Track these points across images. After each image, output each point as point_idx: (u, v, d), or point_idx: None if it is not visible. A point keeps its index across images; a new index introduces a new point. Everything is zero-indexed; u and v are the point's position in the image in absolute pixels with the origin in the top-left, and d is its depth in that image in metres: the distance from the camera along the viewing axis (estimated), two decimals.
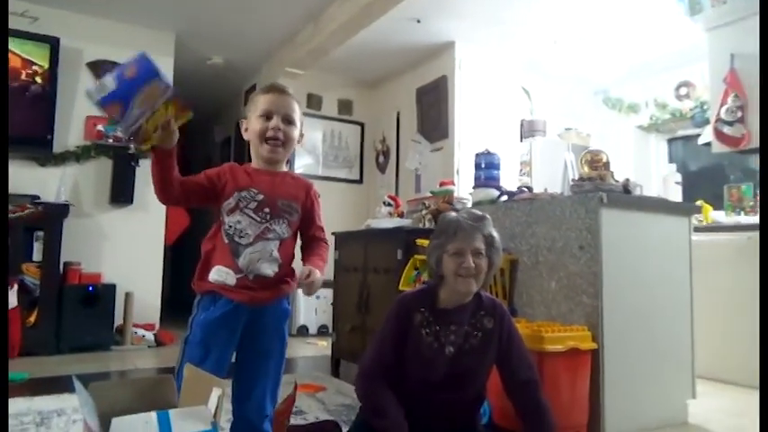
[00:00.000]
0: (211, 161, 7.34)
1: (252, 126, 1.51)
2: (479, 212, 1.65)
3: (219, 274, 1.44)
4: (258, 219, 1.45)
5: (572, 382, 2.10)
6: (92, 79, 4.40)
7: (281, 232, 1.48)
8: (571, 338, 2.09)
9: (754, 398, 2.91)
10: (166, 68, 4.75)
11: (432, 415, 1.56)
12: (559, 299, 2.39)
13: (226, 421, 2.20)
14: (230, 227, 1.45)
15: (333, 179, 5.74)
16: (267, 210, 1.46)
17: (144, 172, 4.56)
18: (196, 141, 8.08)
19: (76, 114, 4.35)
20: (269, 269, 1.45)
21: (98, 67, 4.45)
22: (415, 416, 1.53)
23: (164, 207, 4.70)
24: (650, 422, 2.31)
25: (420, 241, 2.81)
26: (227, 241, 1.45)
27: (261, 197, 1.47)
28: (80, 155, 4.34)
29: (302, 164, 5.60)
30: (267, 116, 1.48)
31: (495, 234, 1.60)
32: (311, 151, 5.68)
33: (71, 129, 4.33)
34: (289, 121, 1.50)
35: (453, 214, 1.66)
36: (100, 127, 4.39)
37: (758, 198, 3.75)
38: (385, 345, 1.59)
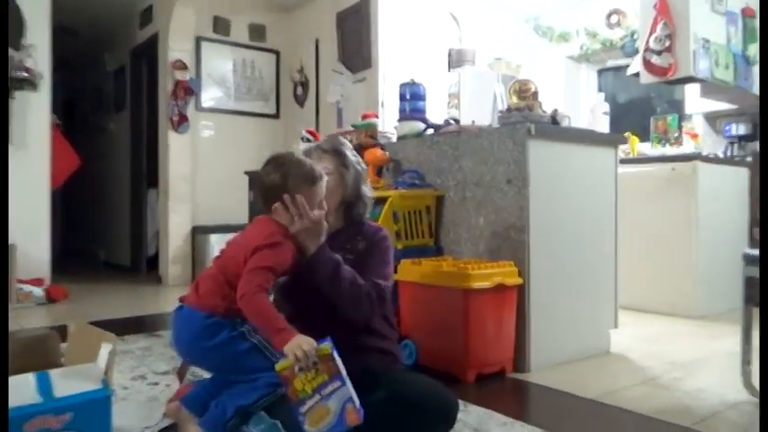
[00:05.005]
0: (103, 92, 6.84)
1: None
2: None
3: None
4: None
5: (498, 319, 2.18)
6: None
7: None
8: (497, 275, 2.16)
9: (674, 326, 3.17)
10: None
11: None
12: (487, 235, 2.44)
13: (130, 379, 2.15)
14: None
15: (246, 113, 5.52)
16: None
17: (20, 106, 4.18)
18: (84, 71, 7.48)
19: None
20: None
21: None
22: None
23: (47, 144, 4.35)
24: (574, 353, 2.46)
25: None
26: None
27: None
28: None
29: (210, 97, 5.32)
30: None
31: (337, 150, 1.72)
32: (220, 83, 5.40)
33: None
34: None
35: None
36: None
37: (681, 130, 3.97)
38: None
